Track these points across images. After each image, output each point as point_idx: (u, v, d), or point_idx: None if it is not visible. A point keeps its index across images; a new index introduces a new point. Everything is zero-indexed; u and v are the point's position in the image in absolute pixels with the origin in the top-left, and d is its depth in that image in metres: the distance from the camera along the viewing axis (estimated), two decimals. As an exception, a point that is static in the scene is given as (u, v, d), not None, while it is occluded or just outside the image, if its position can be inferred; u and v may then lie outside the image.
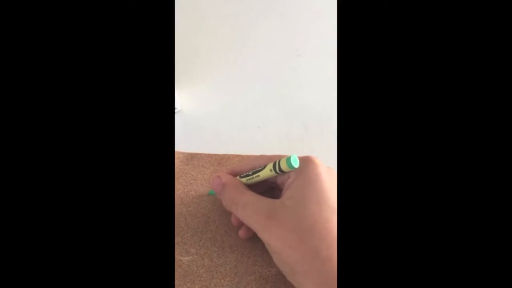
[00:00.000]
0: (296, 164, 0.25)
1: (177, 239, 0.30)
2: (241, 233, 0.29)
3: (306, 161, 0.25)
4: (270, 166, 0.26)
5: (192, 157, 0.36)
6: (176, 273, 0.28)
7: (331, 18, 0.51)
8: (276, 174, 0.26)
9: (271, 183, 0.29)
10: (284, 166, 0.25)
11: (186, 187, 0.34)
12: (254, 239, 0.29)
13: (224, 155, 0.36)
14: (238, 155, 0.36)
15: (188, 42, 0.49)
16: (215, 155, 0.36)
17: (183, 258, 0.29)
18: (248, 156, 0.36)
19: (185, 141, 0.38)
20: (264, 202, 0.25)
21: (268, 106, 0.41)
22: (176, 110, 0.40)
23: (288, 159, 0.25)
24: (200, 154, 0.37)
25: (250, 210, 0.25)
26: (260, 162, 0.28)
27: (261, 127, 0.39)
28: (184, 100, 0.42)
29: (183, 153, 0.37)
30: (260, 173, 0.27)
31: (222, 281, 0.27)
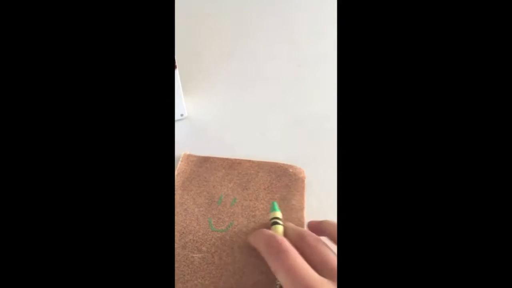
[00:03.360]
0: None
1: (189, 237, 0.32)
2: None
3: None
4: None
5: (205, 160, 0.38)
6: (187, 268, 0.29)
7: (332, 29, 0.53)
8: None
9: None
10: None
11: (199, 188, 0.36)
12: (262, 241, 0.31)
13: (235, 159, 0.38)
14: (250, 161, 0.38)
15: (194, 50, 0.52)
16: (227, 159, 0.38)
17: (194, 255, 0.30)
18: (260, 162, 0.37)
19: (192, 145, 0.40)
20: None
21: (271, 114, 0.43)
22: (182, 116, 0.42)
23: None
24: (213, 158, 0.38)
25: None
26: None
27: (265, 133, 0.41)
28: (191, 106, 0.44)
29: (197, 156, 0.39)
30: None
31: (231, 279, 0.29)
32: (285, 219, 0.32)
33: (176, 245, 0.31)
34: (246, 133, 0.41)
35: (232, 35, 0.55)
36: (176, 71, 0.38)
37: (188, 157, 0.38)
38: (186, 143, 0.40)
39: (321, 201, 0.34)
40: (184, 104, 0.41)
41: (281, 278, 0.23)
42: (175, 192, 0.35)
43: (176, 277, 0.29)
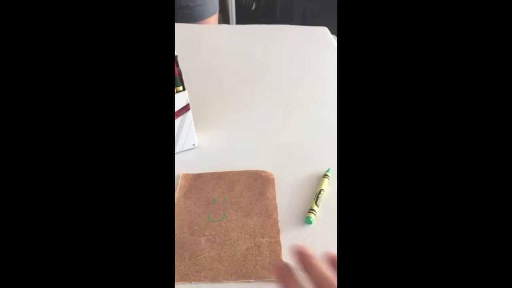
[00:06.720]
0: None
1: (195, 227, 0.43)
2: None
3: None
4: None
5: (199, 176, 0.51)
6: (197, 247, 0.41)
7: (314, 78, 0.71)
8: None
9: None
10: None
11: (197, 195, 0.48)
12: (248, 219, 0.43)
13: (222, 172, 0.51)
14: (232, 171, 0.50)
15: (204, 96, 0.67)
16: (215, 172, 0.51)
17: (200, 238, 0.42)
18: (240, 171, 0.50)
19: (201, 167, 0.52)
20: None
21: (262, 143, 0.57)
22: (194, 146, 0.55)
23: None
24: (204, 174, 0.51)
25: None
26: None
27: (257, 157, 0.54)
28: (200, 138, 0.57)
29: (192, 174, 0.51)
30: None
31: (230, 249, 0.40)
32: (263, 205, 0.45)
33: (186, 234, 0.42)
34: (242, 157, 0.54)
35: (233, 85, 0.71)
36: (190, 112, 0.51)
37: (185, 175, 0.51)
38: (197, 165, 0.53)
39: (287, 193, 0.47)
40: (196, 137, 0.55)
41: None
42: (180, 200, 0.47)
43: (190, 254, 0.40)
